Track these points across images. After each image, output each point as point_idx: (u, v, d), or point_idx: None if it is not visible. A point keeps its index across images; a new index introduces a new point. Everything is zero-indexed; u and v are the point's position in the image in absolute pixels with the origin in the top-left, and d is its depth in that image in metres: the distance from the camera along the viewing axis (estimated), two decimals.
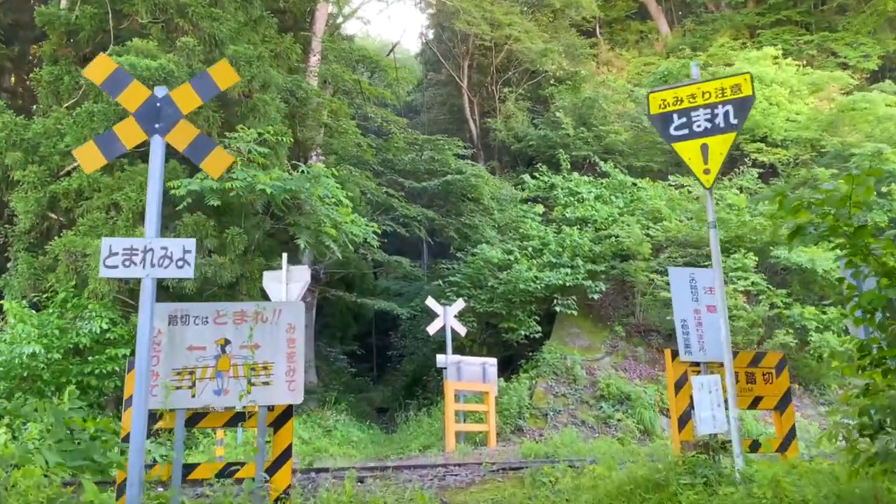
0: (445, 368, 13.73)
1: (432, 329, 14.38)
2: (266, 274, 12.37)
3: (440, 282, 17.99)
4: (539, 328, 16.70)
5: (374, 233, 14.95)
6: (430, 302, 14.50)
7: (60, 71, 14.57)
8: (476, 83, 32.39)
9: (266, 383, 4.96)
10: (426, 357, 25.17)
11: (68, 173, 13.26)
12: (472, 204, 19.74)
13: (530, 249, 17.64)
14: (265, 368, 4.96)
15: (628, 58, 33.67)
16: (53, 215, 13.66)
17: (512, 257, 17.27)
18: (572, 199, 20.02)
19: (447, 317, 14.26)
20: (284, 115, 15.56)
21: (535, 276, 16.40)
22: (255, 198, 12.74)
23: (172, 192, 11.92)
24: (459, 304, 14.71)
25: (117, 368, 11.33)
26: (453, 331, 14.43)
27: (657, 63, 30.77)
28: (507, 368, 19.48)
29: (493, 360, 14.02)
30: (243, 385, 4.95)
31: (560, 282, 16.45)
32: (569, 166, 22.23)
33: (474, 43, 30.98)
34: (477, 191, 19.57)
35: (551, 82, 28.66)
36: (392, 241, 22.27)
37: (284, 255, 12.22)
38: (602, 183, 21.28)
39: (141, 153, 13.50)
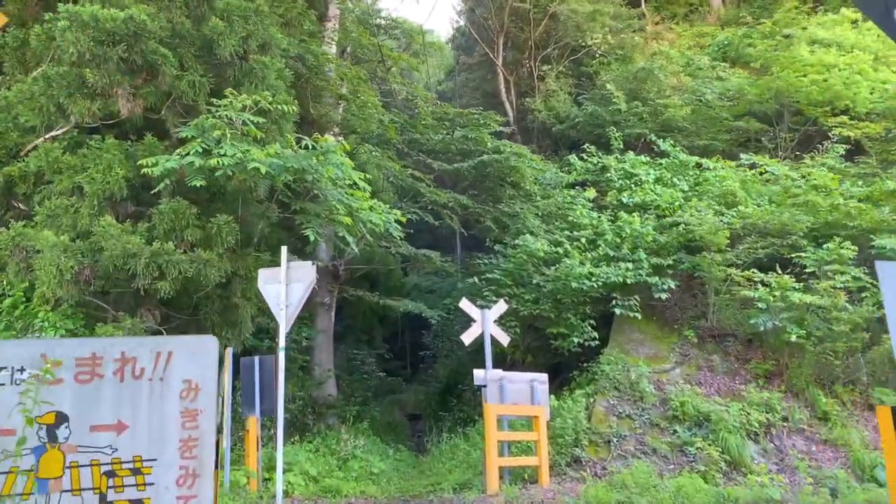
0: (484, 387, 11.18)
1: (468, 337, 11.82)
2: (261, 273, 9.95)
3: (475, 279, 15.39)
4: (595, 334, 14.03)
5: (398, 222, 12.41)
6: (465, 305, 11.94)
7: (27, 35, 12.29)
8: (512, 61, 29.70)
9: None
10: (460, 362, 22.66)
11: (28, 153, 10.97)
12: (512, 189, 17.11)
13: (582, 241, 14.96)
14: (137, 471, 2.53)
15: (679, 31, 30.67)
16: (17, 204, 11.41)
17: (561, 250, 14.63)
18: (628, 181, 17.29)
19: (486, 322, 11.69)
20: (290, 85, 13.11)
21: (590, 273, 13.73)
22: (247, 178, 10.29)
23: (145, 170, 9.53)
24: (500, 306, 12.12)
25: None
26: (493, 339, 11.85)
27: (713, 34, 27.80)
28: (554, 380, 16.86)
29: (544, 377, 11.40)
30: None
31: (620, 278, 13.77)
32: (621, 145, 19.48)
33: (510, 17, 28.30)
34: (517, 173, 16.90)
35: (596, 57, 25.89)
36: (421, 234, 19.78)
37: (283, 250, 9.78)
38: (661, 164, 18.50)
39: (111, 126, 11.17)
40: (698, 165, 18.52)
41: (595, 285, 13.61)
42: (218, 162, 9.54)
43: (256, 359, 10.02)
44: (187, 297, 11.21)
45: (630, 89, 21.85)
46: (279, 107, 10.96)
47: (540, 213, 16.30)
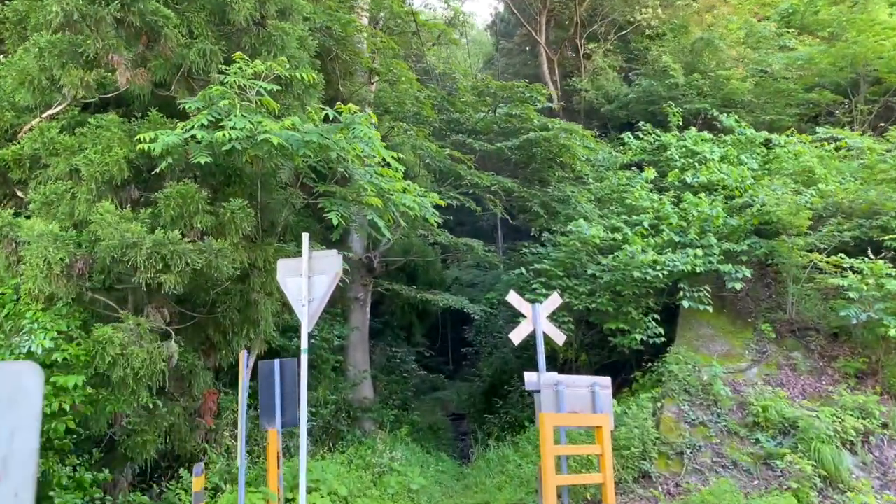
0: (538, 392, 9.72)
1: (517, 336, 10.35)
2: (281, 264, 8.68)
3: (523, 269, 13.88)
4: (660, 330, 12.45)
5: (436, 207, 11.02)
6: (513, 299, 10.47)
7: (28, 7, 11.19)
8: (555, 41, 28.07)
9: None
10: (505, 360, 21.20)
11: (23, 135, 9.84)
12: (561, 171, 15.53)
13: (644, 225, 13.35)
14: None
15: (735, 3, 28.62)
16: (15, 191, 10.32)
17: (619, 236, 13.05)
18: (690, 160, 15.60)
19: (537, 318, 10.21)
20: (316, 57, 11.81)
21: (654, 261, 12.14)
22: (263, 157, 9.00)
23: (141, 146, 8.31)
24: (554, 299, 10.62)
25: (67, 408, 7.82)
26: (546, 337, 10.37)
27: (774, 3, 25.74)
28: (612, 382, 15.37)
29: (606, 381, 9.83)
30: None
31: (688, 267, 12.15)
32: (680, 121, 17.76)
33: None
34: (567, 153, 15.32)
35: (645, 32, 24.13)
36: (461, 226, 18.32)
37: (305, 237, 8.50)
38: (726, 140, 16.74)
39: (116, 105, 10.00)
40: (766, 142, 16.72)
41: (660, 275, 12.02)
42: (225, 135, 8.24)
43: (277, 362, 8.69)
44: (204, 293, 10.01)
45: (686, 63, 20.10)
46: (301, 76, 9.63)
47: (593, 197, 14.71)
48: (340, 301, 15.32)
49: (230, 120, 8.57)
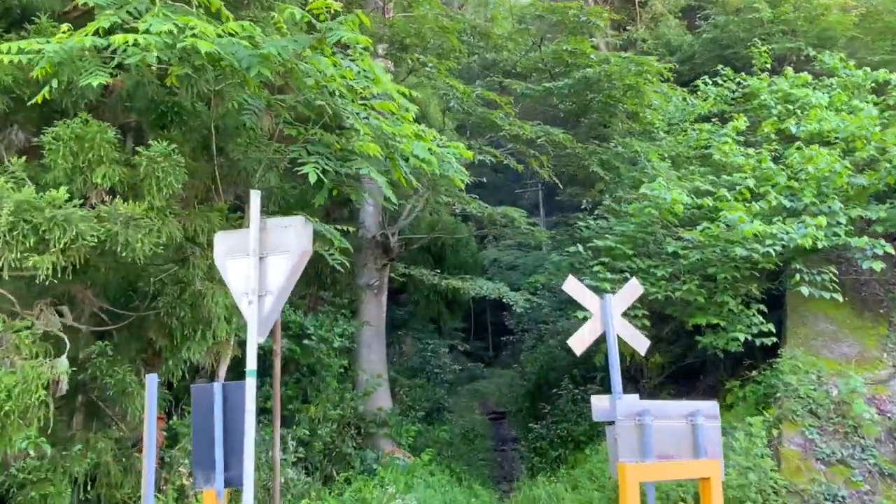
0: (612, 424, 6.65)
1: (580, 343, 7.18)
2: (219, 239, 5.75)
3: (579, 247, 10.67)
4: (770, 327, 9.22)
5: (465, 166, 7.96)
6: (573, 287, 7.27)
7: None
8: None
9: None
10: (552, 355, 18.04)
11: None
12: (629, 121, 12.23)
13: (747, 185, 10.05)
14: None
15: None
16: None
17: (709, 202, 9.80)
18: (789, 108, 12.23)
19: (608, 315, 7.06)
20: None
21: (762, 233, 8.87)
22: (195, 77, 6.06)
23: (9, 58, 5.38)
24: (631, 289, 7.47)
25: None
26: (621, 343, 7.24)
27: None
28: (689, 393, 12.22)
29: (712, 407, 6.58)
30: None
31: (807, 241, 8.86)
32: (767, 63, 14.31)
33: None
34: (636, 97, 11.93)
35: None
36: (494, 194, 15.18)
37: (254, 196, 5.53)
38: (831, 84, 13.28)
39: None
40: (884, 84, 13.21)
41: (772, 251, 8.76)
42: (129, 39, 5.27)
43: (216, 388, 5.72)
44: (143, 283, 7.17)
45: None
46: None
47: (665, 155, 11.44)
48: (348, 289, 12.39)
49: (144, 21, 5.60)
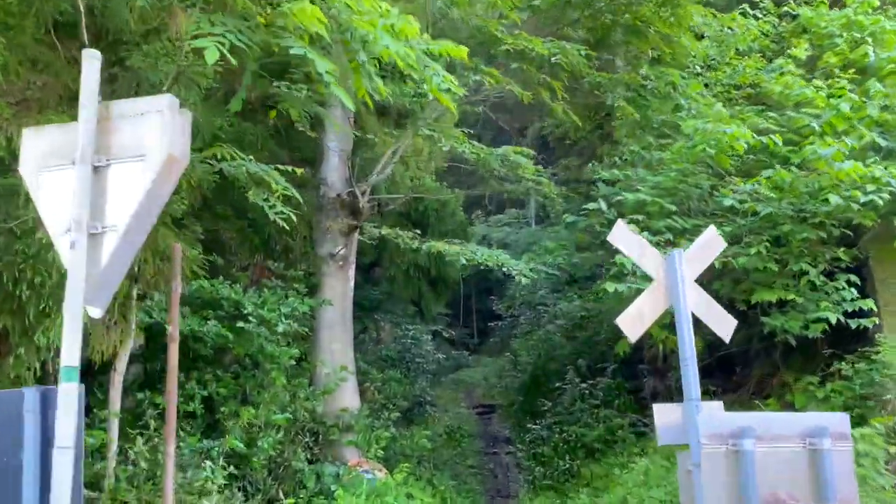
0: (685, 449, 4.24)
1: (634, 327, 4.62)
2: (28, 136, 3.24)
3: (601, 202, 8.17)
4: (869, 304, 6.87)
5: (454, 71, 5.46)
6: (621, 236, 4.76)
7: None
8: None
9: None
10: (551, 342, 15.70)
11: None
12: (663, 45, 9.66)
13: (816, 126, 7.65)
14: None
15: None
16: None
17: (778, 142, 7.38)
18: (860, 35, 9.87)
19: (678, 282, 4.57)
20: None
21: (861, 173, 6.48)
22: None
23: None
24: (710, 241, 5.02)
25: None
26: (701, 329, 4.75)
27: None
28: (734, 384, 9.94)
29: (840, 423, 4.25)
30: None
31: None
32: None
33: None
34: (675, 14, 9.32)
35: None
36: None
37: (89, 58, 2.97)
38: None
39: None
40: None
41: (879, 200, 6.36)
42: None
43: (33, 392, 3.26)
44: None
45: None
46: None
47: (706, 83, 9.00)
48: (304, 259, 9.89)
49: None
